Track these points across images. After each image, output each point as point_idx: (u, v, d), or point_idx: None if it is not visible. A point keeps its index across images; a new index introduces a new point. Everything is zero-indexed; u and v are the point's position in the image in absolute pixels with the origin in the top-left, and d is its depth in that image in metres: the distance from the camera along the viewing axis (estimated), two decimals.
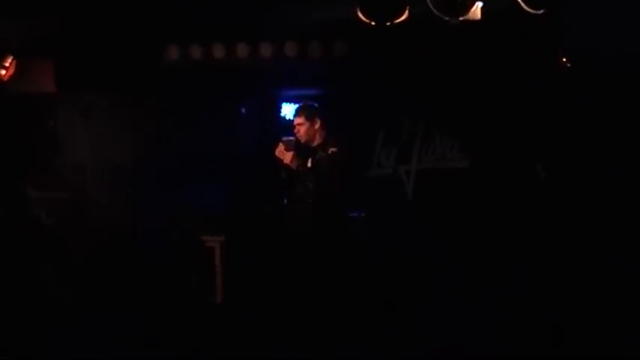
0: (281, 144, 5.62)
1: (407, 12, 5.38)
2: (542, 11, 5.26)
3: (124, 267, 7.03)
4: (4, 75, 6.60)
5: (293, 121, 5.89)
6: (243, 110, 7.95)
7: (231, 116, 7.87)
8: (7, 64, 6.61)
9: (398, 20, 5.38)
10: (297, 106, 5.94)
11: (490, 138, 7.44)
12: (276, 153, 5.64)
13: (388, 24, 5.37)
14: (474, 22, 5.68)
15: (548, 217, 6.88)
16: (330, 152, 5.63)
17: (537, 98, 7.10)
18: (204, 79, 7.48)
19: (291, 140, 5.67)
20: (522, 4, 5.25)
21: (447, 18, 5.35)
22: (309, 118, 5.73)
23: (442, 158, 7.67)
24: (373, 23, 5.40)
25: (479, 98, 7.41)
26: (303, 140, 5.78)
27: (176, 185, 7.33)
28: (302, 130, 5.74)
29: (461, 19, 5.39)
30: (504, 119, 7.32)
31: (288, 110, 7.85)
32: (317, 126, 5.75)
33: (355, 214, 6.86)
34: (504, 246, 6.92)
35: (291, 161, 5.58)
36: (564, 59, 6.70)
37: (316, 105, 5.85)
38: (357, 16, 5.39)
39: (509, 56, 6.90)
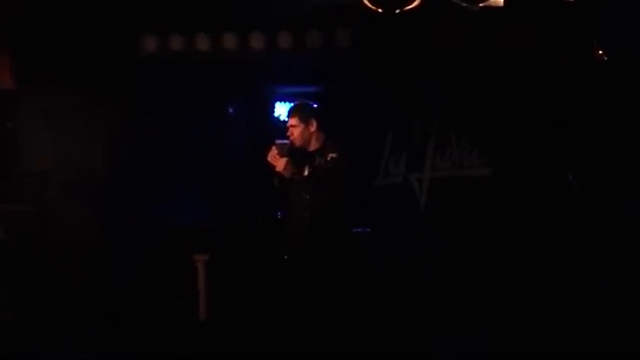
0: (274, 148, 5.38)
1: None
2: None
3: (95, 287, 6.86)
4: None
5: (286, 122, 5.68)
6: (231, 110, 7.79)
7: (218, 117, 7.68)
8: None
9: (409, 7, 5.20)
10: (291, 105, 5.69)
11: (515, 142, 7.20)
12: (269, 158, 5.39)
13: (397, 11, 5.19)
14: (496, 8, 5.57)
15: (581, 234, 6.67)
16: (329, 158, 5.42)
17: (569, 96, 6.91)
18: (185, 74, 7.27)
19: (285, 144, 5.46)
20: None
21: (465, 4, 5.20)
22: (304, 120, 5.50)
23: (459, 165, 7.49)
24: (380, 11, 5.21)
25: (502, 96, 7.20)
26: (297, 144, 5.52)
27: (154, 195, 7.15)
28: (296, 132, 5.50)
29: (481, 5, 5.21)
30: (531, 120, 7.10)
31: (282, 110, 7.65)
32: (313, 128, 5.51)
33: (360, 230, 6.69)
34: (530, 268, 6.71)
35: (284, 168, 5.33)
36: (600, 51, 6.53)
37: (312, 104, 5.62)
38: (362, 2, 5.20)
39: (535, 48, 6.71)
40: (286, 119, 5.61)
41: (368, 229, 7.01)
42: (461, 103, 7.41)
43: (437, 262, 7.10)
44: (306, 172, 5.48)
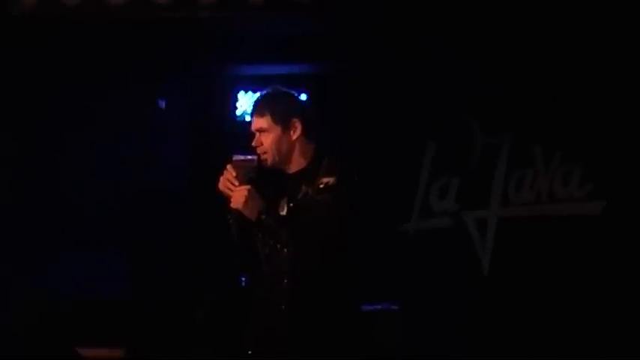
0: (229, 169, 4.79)
1: None
2: None
3: None
4: None
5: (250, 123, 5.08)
6: (163, 103, 7.62)
7: (139, 118, 7.45)
8: None
9: None
10: (258, 95, 5.11)
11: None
12: (220, 186, 4.77)
13: None
14: None
15: None
16: (322, 185, 4.84)
17: None
18: (86, 44, 6.98)
19: (248, 162, 4.81)
20: None
21: None
22: (281, 119, 4.96)
23: (549, 197, 7.42)
24: None
25: (615, 88, 7.07)
26: (269, 162, 4.90)
27: (37, 255, 7.05)
28: (267, 141, 4.95)
29: None
30: None
31: (247, 103, 7.65)
32: (296, 135, 4.97)
33: (379, 307, 6.66)
34: None
35: (245, 203, 4.75)
36: None
37: (295, 94, 5.07)
38: None
39: None
40: (250, 118, 5.04)
41: (393, 306, 6.86)
42: (550, 97, 7.30)
43: (507, 356, 7.06)
44: (283, 210, 4.89)
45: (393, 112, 7.45)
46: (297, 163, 4.93)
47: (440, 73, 7.38)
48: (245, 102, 7.67)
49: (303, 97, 6.94)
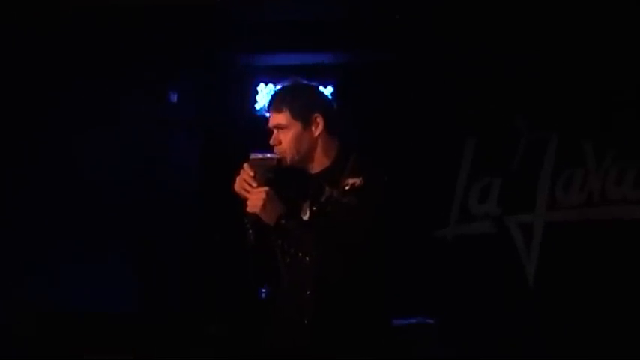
0: (246, 169, 4.68)
1: None
2: None
3: None
4: None
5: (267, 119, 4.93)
6: (174, 97, 7.66)
7: (148, 111, 7.46)
8: None
9: None
10: (275, 89, 4.97)
11: None
12: (236, 188, 4.65)
13: None
14: None
15: None
16: (348, 187, 4.71)
17: None
18: (92, 31, 6.91)
19: (267, 161, 4.70)
20: None
21: None
22: (301, 115, 4.82)
23: (602, 199, 7.36)
24: None
25: None
26: (288, 161, 4.74)
27: (31, 261, 7.05)
28: (285, 139, 4.84)
29: None
30: None
31: (267, 97, 6.89)
32: (318, 131, 4.82)
33: (413, 321, 6.56)
34: None
35: (263, 207, 4.66)
36: None
37: (317, 86, 4.92)
38: None
39: None
40: (266, 114, 4.87)
41: (429, 320, 6.76)
42: (601, 88, 7.23)
43: None
44: (305, 215, 4.77)
45: (428, 106, 7.39)
46: (320, 163, 4.73)
47: (480, 62, 7.32)
48: (265, 95, 7.58)
49: (330, 89, 6.93)
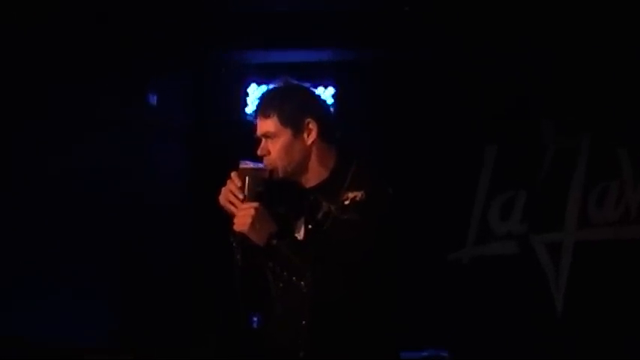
0: (234, 177, 4.68)
1: None
2: None
3: None
4: None
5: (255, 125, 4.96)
6: (154, 99, 7.59)
7: (125, 115, 7.32)
8: None
9: None
10: (264, 91, 5.00)
11: None
12: (222, 200, 4.67)
13: None
14: None
15: None
16: (348, 202, 4.71)
17: None
18: (65, 29, 6.81)
19: (257, 171, 4.75)
20: None
21: None
22: (290, 119, 4.85)
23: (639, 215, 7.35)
24: None
25: None
26: (280, 172, 4.75)
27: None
28: (275, 148, 4.86)
29: None
30: None
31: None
32: (311, 139, 4.83)
33: (425, 354, 6.84)
34: None
35: (251, 225, 4.67)
36: None
37: (309, 88, 4.88)
38: None
39: None
40: (253, 119, 4.90)
41: (442, 353, 6.95)
42: (638, 91, 7.22)
43: None
44: (300, 234, 4.80)
45: (442, 110, 7.31)
46: (315, 174, 4.70)
47: (500, 60, 7.30)
48: (257, 97, 7.21)
49: (330, 90, 6.88)
